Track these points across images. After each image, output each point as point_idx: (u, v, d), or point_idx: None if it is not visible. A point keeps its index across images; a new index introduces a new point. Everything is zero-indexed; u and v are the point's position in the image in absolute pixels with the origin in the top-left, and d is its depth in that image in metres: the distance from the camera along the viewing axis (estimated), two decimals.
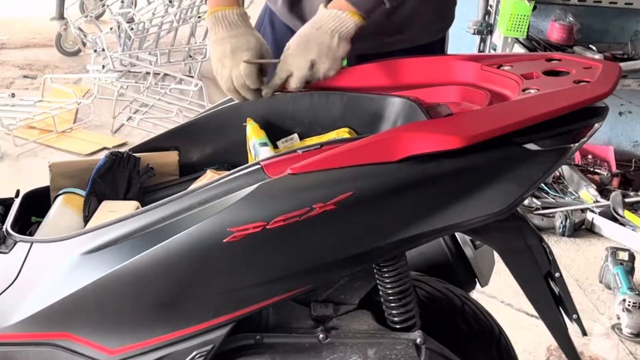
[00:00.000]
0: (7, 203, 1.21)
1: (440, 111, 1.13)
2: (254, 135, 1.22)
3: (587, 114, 1.01)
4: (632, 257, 2.59)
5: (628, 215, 2.95)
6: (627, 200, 3.01)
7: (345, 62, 1.28)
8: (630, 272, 2.54)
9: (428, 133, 0.98)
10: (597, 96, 1.02)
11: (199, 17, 4.36)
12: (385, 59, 1.27)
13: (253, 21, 1.35)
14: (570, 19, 3.35)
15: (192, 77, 4.15)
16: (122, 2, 4.43)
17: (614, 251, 2.61)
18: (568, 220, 2.93)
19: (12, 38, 5.20)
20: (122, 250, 0.99)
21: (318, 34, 1.20)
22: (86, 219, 1.19)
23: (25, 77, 4.46)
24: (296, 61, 1.20)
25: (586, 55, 2.95)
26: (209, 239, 0.96)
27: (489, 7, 3.37)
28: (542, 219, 3.00)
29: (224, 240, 0.96)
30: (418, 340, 1.10)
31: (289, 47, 1.22)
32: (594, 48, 3.32)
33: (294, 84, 1.20)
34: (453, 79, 1.19)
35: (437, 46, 1.51)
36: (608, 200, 3.02)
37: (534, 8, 3.12)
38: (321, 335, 1.09)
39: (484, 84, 1.16)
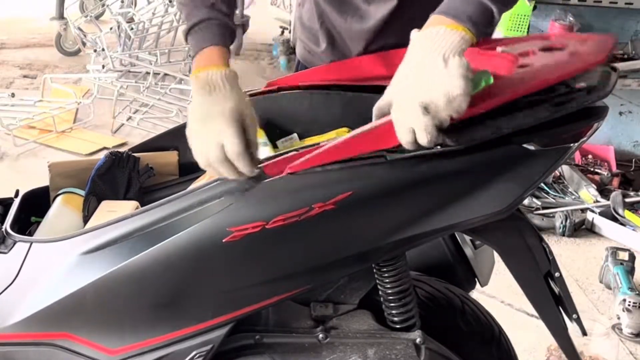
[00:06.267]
0: (6, 203, 1.21)
1: None
2: None
3: (587, 114, 1.01)
4: (632, 257, 2.59)
5: (628, 215, 2.95)
6: (627, 200, 3.01)
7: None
8: (630, 272, 2.54)
9: None
10: (592, 63, 1.01)
11: None
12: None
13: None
14: (571, 18, 3.35)
15: None
16: (122, 2, 4.43)
17: (614, 251, 2.61)
18: (568, 220, 2.93)
19: (12, 38, 5.21)
20: (121, 250, 0.99)
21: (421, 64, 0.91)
22: (86, 219, 1.19)
23: (25, 77, 4.47)
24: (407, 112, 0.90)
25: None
26: (209, 239, 0.96)
27: None
28: (542, 219, 3.00)
29: (224, 240, 0.95)
30: (418, 340, 1.10)
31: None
32: None
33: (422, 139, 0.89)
34: None
35: None
36: (608, 200, 3.02)
37: (534, 8, 3.13)
38: (321, 335, 1.09)
39: (480, 67, 1.15)
